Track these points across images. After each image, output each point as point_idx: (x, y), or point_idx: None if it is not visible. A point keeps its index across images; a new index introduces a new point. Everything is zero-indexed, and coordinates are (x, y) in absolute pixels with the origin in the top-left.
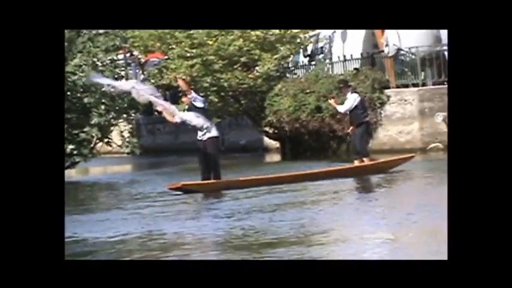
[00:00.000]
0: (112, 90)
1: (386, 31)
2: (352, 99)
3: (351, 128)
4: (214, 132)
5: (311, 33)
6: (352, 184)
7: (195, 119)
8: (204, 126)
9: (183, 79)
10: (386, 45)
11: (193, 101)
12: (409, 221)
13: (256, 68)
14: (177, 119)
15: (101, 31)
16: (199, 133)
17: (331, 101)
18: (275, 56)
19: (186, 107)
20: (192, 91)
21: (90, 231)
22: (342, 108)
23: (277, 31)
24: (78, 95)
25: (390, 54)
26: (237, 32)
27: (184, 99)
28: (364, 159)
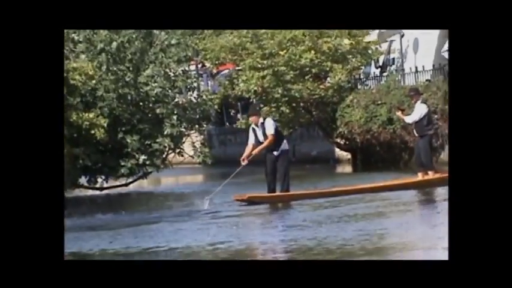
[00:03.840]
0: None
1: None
2: (419, 110)
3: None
4: (285, 146)
5: (383, 44)
6: (420, 195)
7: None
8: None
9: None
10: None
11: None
12: None
13: (328, 78)
14: None
15: (172, 42)
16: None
17: (399, 113)
18: (346, 67)
19: (253, 125)
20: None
21: (161, 241)
22: (409, 119)
23: (348, 41)
24: (151, 105)
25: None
26: (307, 43)
27: (252, 118)
28: (429, 172)
